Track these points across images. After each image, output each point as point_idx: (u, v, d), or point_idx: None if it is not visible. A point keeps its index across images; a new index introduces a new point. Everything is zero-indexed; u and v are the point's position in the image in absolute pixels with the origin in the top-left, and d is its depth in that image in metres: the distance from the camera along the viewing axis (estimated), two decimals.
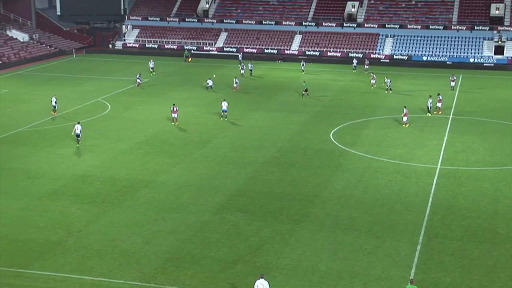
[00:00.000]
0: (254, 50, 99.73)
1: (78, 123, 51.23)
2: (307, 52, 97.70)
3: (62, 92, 71.63)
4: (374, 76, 75.16)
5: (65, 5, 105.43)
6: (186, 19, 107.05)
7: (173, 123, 57.61)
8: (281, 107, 64.96)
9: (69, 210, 38.01)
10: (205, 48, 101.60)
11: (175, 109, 57.74)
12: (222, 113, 59.50)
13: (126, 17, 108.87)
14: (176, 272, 30.70)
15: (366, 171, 45.28)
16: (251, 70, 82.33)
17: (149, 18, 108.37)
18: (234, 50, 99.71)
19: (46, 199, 39.68)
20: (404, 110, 57.13)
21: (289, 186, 42.34)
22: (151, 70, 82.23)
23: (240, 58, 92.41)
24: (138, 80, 74.19)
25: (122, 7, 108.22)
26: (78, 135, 50.56)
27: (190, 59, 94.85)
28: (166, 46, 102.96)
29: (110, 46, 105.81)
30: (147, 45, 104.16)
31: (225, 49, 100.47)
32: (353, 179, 43.68)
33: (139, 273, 30.49)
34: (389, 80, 72.27)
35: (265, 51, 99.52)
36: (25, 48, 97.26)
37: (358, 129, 56.64)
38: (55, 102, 60.88)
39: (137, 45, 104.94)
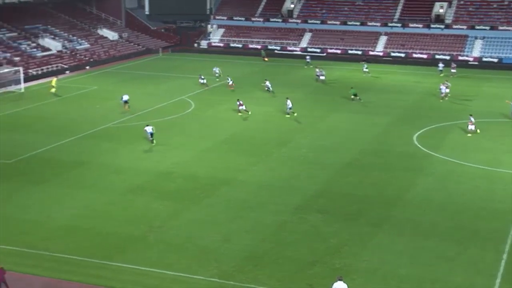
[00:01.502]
0: (338, 51, 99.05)
1: (148, 125, 52.21)
2: (392, 54, 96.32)
3: (148, 89, 73.35)
4: (447, 83, 70.53)
5: (153, 5, 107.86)
6: (271, 19, 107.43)
7: (240, 114, 60.32)
8: (363, 109, 64.28)
9: (151, 205, 38.86)
10: (288, 48, 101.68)
11: (241, 103, 60.81)
12: (288, 111, 60.01)
13: (212, 16, 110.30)
14: (254, 270, 30.89)
15: (449, 176, 44.24)
16: (317, 76, 78.93)
17: (234, 18, 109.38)
18: (318, 50, 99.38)
19: (130, 194, 40.71)
20: (471, 119, 54.99)
21: (370, 189, 41.87)
22: (216, 76, 79.45)
23: (308, 59, 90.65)
24: (202, 81, 74.49)
25: (208, 7, 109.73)
26: (151, 134, 51.25)
27: (266, 59, 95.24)
28: (250, 46, 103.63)
29: (196, 45, 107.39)
30: (231, 45, 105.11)
31: (308, 49, 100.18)
32: (436, 183, 42.77)
33: (217, 271, 30.85)
34: (444, 87, 68.77)
35: (349, 52, 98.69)
36: (114, 46, 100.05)
37: (442, 132, 55.40)
38: (127, 99, 62.38)
39: (221, 45, 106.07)
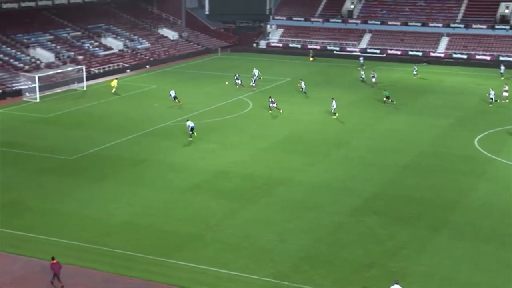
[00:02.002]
0: (398, 52, 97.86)
1: (188, 120, 53.65)
2: (454, 55, 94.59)
3: (207, 89, 73.87)
4: (506, 87, 68.09)
5: (213, 5, 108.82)
6: (330, 20, 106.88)
7: (270, 111, 61.67)
8: (422, 111, 63.36)
9: (208, 204, 39.15)
10: (348, 49, 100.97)
11: (272, 100, 61.79)
12: (332, 111, 60.19)
13: (271, 17, 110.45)
14: (310, 271, 30.80)
15: None
16: (373, 77, 76.76)
17: (293, 18, 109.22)
18: (378, 51, 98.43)
19: (188, 193, 41.09)
20: None
21: (428, 191, 41.23)
22: (256, 78, 77.63)
23: (361, 61, 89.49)
24: (238, 81, 74.44)
25: (267, 7, 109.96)
26: (192, 128, 52.57)
27: (311, 59, 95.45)
28: (309, 46, 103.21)
29: (254, 45, 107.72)
30: (290, 45, 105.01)
31: (368, 50, 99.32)
32: (498, 188, 41.80)
33: (273, 270, 30.87)
34: (493, 92, 65.92)
35: (410, 53, 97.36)
36: (174, 46, 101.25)
37: (504, 136, 54.12)
38: (175, 95, 65.38)
39: (280, 45, 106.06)
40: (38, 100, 68.08)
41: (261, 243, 33.82)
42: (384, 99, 65.72)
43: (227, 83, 75.13)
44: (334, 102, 60.66)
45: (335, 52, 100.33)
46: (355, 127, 56.96)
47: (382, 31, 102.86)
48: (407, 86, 76.33)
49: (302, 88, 70.89)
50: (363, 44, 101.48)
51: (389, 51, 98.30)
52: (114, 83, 72.42)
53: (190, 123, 52.85)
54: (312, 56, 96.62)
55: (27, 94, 69.98)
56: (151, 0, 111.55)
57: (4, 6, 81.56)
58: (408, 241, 33.96)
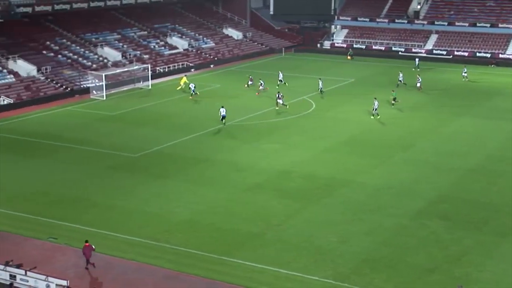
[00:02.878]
0: (466, 54, 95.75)
1: (222, 107, 56.66)
2: None
3: (270, 89, 73.83)
4: None
5: (278, 5, 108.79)
6: (396, 20, 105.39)
7: (276, 108, 62.72)
8: (491, 114, 61.80)
9: (270, 204, 39.17)
10: (413, 50, 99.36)
11: (280, 96, 63.09)
12: (373, 111, 59.37)
13: (336, 17, 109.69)
14: (371, 274, 30.46)
15: None
16: (419, 81, 73.17)
17: (358, 19, 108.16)
18: (444, 52, 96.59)
19: (249, 192, 41.21)
20: None
21: (496, 196, 40.20)
22: (279, 82, 75.75)
23: (417, 62, 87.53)
24: (250, 82, 74.29)
25: (332, 8, 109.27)
26: (224, 117, 55.61)
27: (349, 57, 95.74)
28: (373, 47, 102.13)
29: (318, 45, 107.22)
30: (354, 46, 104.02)
31: (434, 51, 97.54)
32: None
33: (333, 272, 30.66)
34: None
35: (477, 54, 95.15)
36: (238, 45, 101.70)
37: None
38: (194, 87, 69.24)
39: (344, 45, 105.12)
40: (104, 98, 69.44)
41: (321, 243, 33.65)
42: (392, 101, 64.32)
43: (246, 86, 74.99)
44: (376, 102, 59.79)
45: (400, 53, 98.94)
46: (419, 129, 56.03)
47: (449, 32, 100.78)
48: (475, 88, 74.62)
49: (320, 88, 70.36)
50: (429, 45, 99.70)
51: (456, 52, 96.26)
52: (183, 80, 73.23)
53: (222, 111, 55.52)
54: (350, 55, 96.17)
55: (94, 92, 71.46)
56: (216, 0, 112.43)
57: (75, 6, 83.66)
58: (473, 247, 33.21)
